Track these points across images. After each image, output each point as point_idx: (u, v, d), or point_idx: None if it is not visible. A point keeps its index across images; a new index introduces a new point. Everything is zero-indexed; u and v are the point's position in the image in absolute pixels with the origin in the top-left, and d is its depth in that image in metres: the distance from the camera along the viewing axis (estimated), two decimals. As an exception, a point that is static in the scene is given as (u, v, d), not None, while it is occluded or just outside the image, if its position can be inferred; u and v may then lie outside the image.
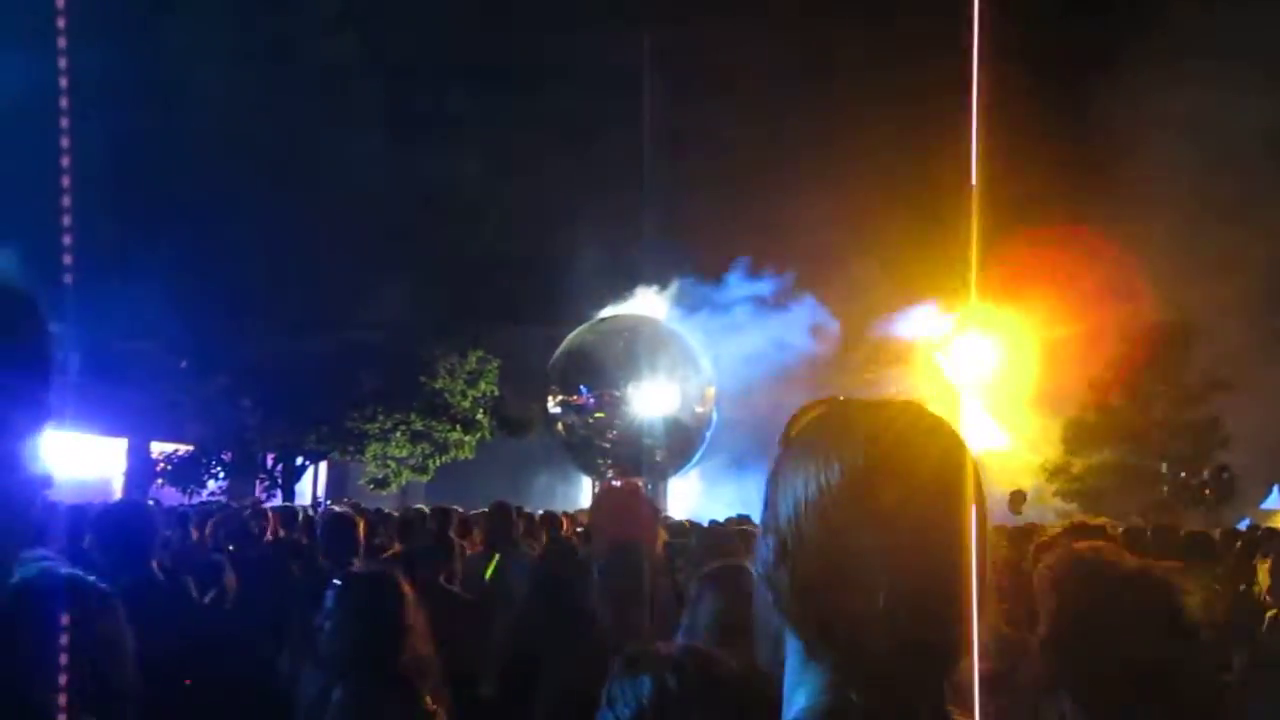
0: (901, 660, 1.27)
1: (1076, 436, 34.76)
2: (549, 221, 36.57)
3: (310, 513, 14.58)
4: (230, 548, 8.69)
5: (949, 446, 1.35)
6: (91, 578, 2.70)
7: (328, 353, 23.44)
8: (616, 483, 27.02)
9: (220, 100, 22.26)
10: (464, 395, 25.73)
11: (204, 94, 22.22)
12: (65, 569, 2.84)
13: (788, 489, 1.35)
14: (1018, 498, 23.98)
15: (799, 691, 1.35)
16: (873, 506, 1.28)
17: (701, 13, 42.45)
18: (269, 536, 9.61)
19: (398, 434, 25.15)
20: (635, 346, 35.75)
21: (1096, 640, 2.64)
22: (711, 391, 37.36)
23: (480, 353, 26.47)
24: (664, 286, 40.41)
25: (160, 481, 23.67)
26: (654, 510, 10.04)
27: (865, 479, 1.29)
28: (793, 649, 1.36)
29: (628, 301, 40.02)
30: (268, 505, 17.83)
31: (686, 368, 36.55)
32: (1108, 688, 2.58)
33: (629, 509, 8.26)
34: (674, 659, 2.37)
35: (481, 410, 26.20)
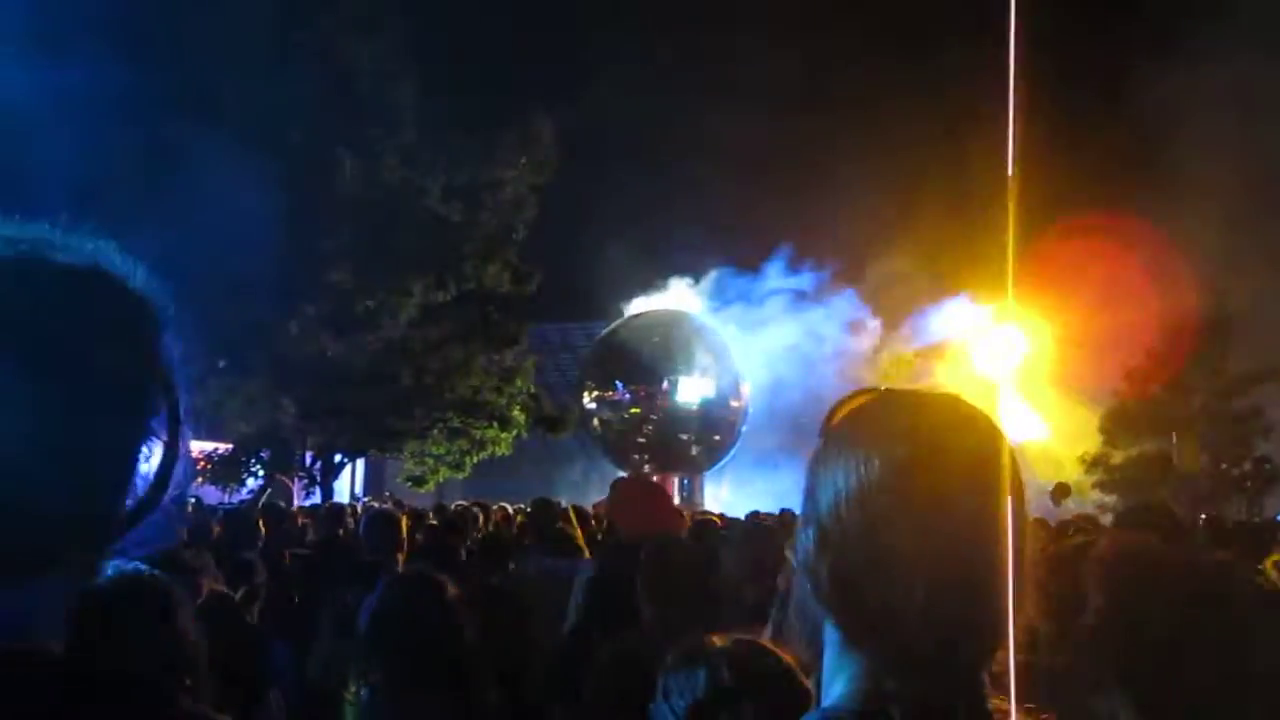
0: (939, 650, 1.27)
1: (1116, 427, 34.53)
2: (586, 216, 36.75)
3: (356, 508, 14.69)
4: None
5: (988, 438, 1.35)
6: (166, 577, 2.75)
7: (366, 351, 23.56)
8: (626, 475, 27.15)
9: (256, 98, 22.44)
10: (500, 392, 25.79)
11: (241, 94, 22.42)
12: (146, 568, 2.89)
13: (828, 480, 1.35)
14: (1062, 490, 23.72)
15: (837, 680, 1.36)
16: (912, 498, 1.28)
17: (737, 12, 42.59)
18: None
19: (435, 431, 25.26)
20: (670, 342, 35.81)
21: (1149, 635, 2.61)
22: (746, 387, 37.35)
23: (517, 348, 26.53)
24: (699, 278, 40.45)
25: (201, 480, 23.87)
26: (672, 502, 10.04)
27: (905, 470, 1.30)
28: (831, 638, 1.37)
29: (662, 293, 40.07)
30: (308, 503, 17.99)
31: (721, 363, 36.56)
32: (1164, 685, 2.55)
33: (648, 501, 8.27)
34: (729, 652, 2.42)
35: (518, 407, 26.26)
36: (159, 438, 1.25)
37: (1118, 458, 33.96)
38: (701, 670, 2.39)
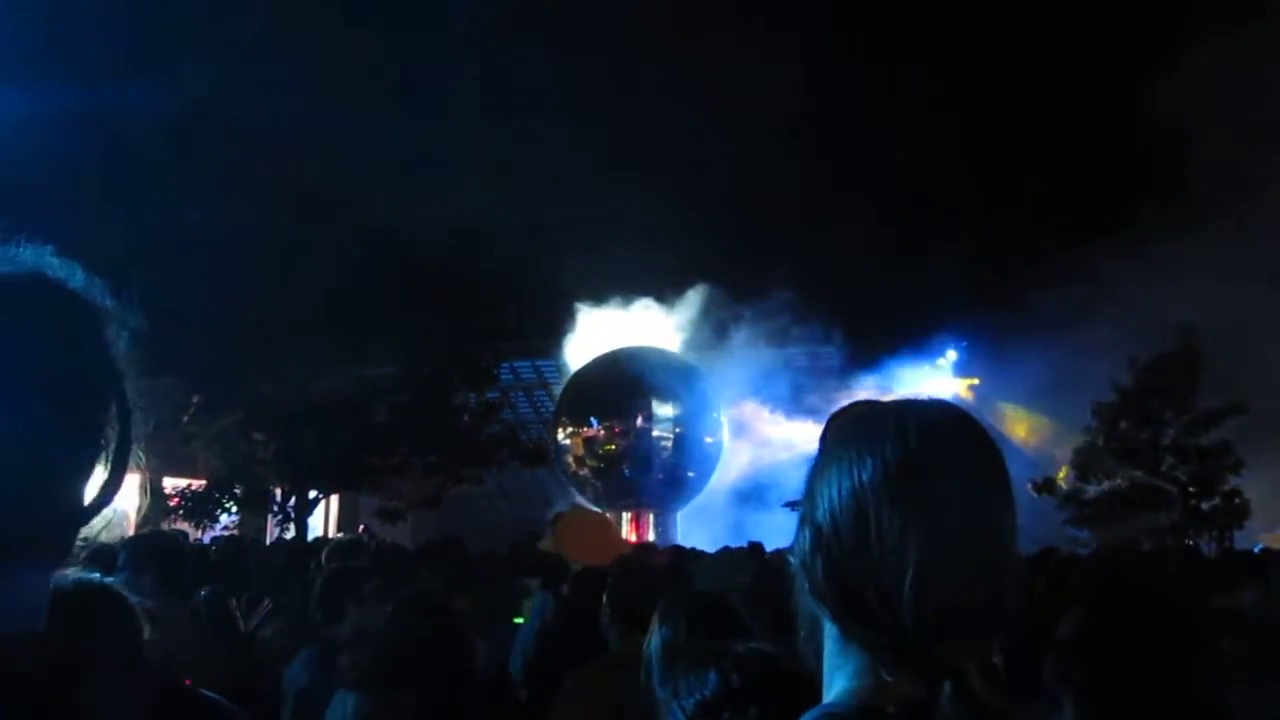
0: (933, 641, 1.36)
1: (1087, 462, 34.73)
2: (564, 250, 36.83)
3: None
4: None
5: (977, 439, 1.45)
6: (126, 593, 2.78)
7: (342, 387, 23.52)
8: (575, 507, 27.10)
9: (232, 132, 22.46)
10: (479, 429, 25.80)
11: (213, 127, 22.42)
12: (102, 579, 2.92)
13: (824, 482, 1.45)
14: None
15: (837, 675, 1.44)
16: (903, 496, 1.38)
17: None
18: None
19: (412, 468, 25.22)
20: (645, 377, 35.75)
21: (1119, 653, 2.70)
22: (722, 421, 37.35)
23: (496, 383, 26.56)
24: (673, 305, 40.36)
25: (174, 517, 23.72)
26: (618, 535, 10.15)
27: (896, 470, 1.39)
28: (830, 635, 1.45)
29: (631, 314, 39.93)
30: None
31: (696, 398, 36.53)
32: (1116, 701, 2.63)
33: (593, 534, 8.36)
34: (740, 657, 2.56)
35: (497, 442, 26.25)
36: (111, 432, 1.32)
37: (1090, 493, 34.12)
38: (712, 671, 2.51)
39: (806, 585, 1.44)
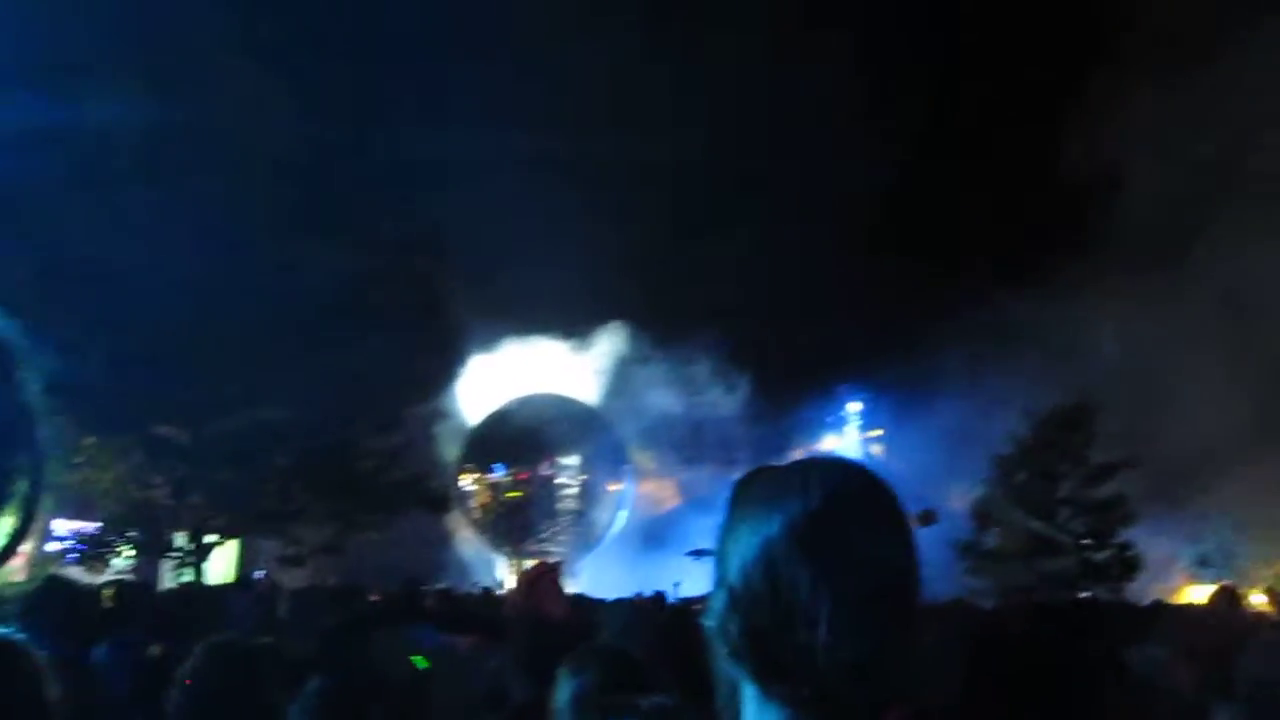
0: (843, 685, 1.41)
1: (985, 513, 35.28)
2: (474, 291, 36.61)
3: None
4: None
5: (878, 492, 1.52)
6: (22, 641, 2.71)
7: (241, 431, 23.16)
8: (534, 562, 26.87)
9: (126, 175, 22.11)
10: (382, 473, 25.54)
11: (112, 170, 22.05)
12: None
13: (734, 544, 1.50)
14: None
15: None
16: (811, 551, 1.43)
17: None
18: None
19: (313, 512, 24.88)
20: (551, 423, 35.73)
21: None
22: (627, 469, 37.41)
23: (400, 428, 26.31)
24: (583, 349, 40.25)
25: (64, 560, 23.12)
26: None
27: (803, 526, 1.45)
28: (749, 694, 1.50)
29: (540, 357, 39.71)
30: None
31: (602, 445, 36.58)
32: None
33: (552, 588, 8.33)
34: (647, 711, 2.60)
35: (400, 488, 25.99)
36: (21, 478, 1.32)
37: (987, 544, 34.65)
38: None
39: (724, 648, 1.49)
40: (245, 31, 27.91)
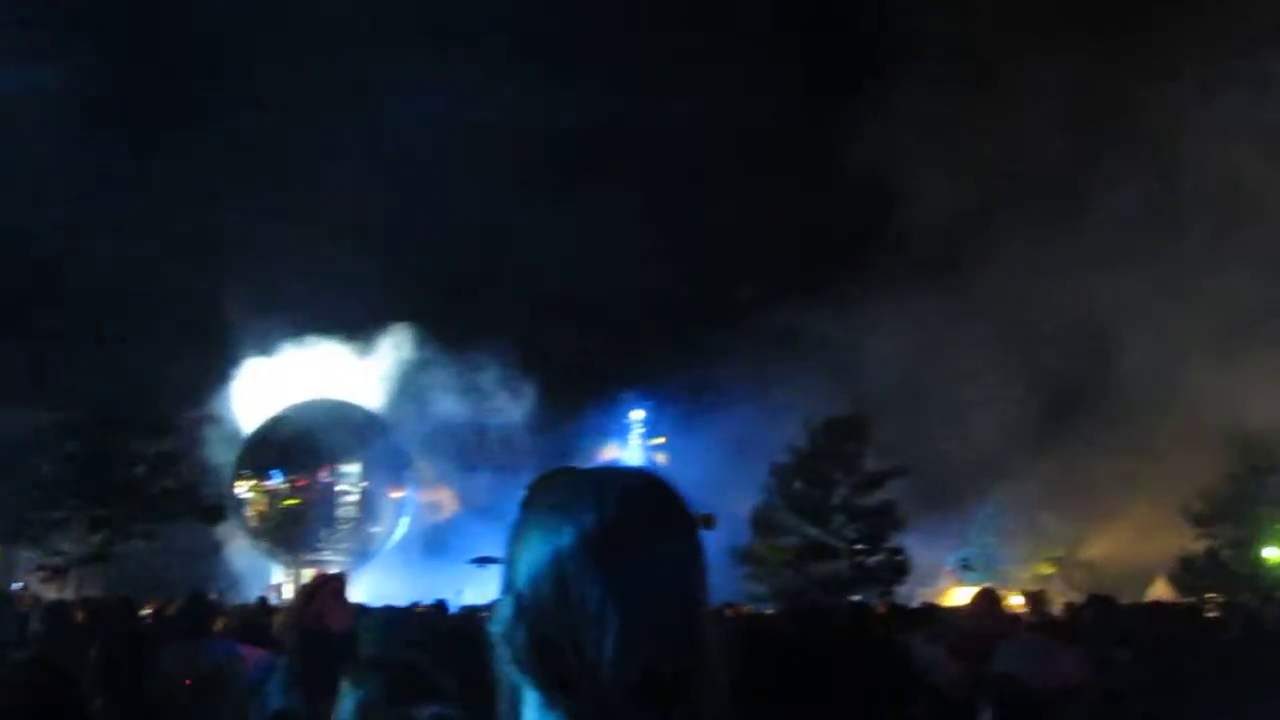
0: (630, 699, 1.40)
1: (763, 520, 36.15)
2: (252, 292, 35.56)
3: None
4: None
5: (670, 503, 1.51)
6: None
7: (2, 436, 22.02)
8: (316, 572, 26.23)
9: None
10: (151, 480, 24.61)
11: None
12: None
13: (525, 551, 1.47)
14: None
15: None
16: (600, 559, 1.42)
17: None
18: None
19: (79, 522, 23.78)
20: (330, 430, 35.03)
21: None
22: (408, 475, 36.95)
23: (172, 434, 25.39)
24: (366, 353, 39.42)
25: None
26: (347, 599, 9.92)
27: (593, 534, 1.43)
28: (531, 702, 1.46)
29: (321, 361, 38.71)
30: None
31: (383, 452, 36.04)
32: None
33: (332, 600, 8.14)
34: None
35: (172, 495, 25.09)
36: None
37: (764, 549, 35.47)
38: None
39: (508, 655, 1.46)
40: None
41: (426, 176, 42.08)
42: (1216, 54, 41.30)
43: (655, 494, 1.51)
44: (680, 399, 42.47)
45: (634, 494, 1.48)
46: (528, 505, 1.52)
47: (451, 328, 38.48)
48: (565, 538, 1.43)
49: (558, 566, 1.42)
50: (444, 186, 41.79)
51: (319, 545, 34.21)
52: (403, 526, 36.66)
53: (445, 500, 39.22)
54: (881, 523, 35.84)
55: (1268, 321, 38.87)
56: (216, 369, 36.24)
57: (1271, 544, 35.77)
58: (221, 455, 36.58)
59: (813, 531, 35.25)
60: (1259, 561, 35.80)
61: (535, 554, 1.45)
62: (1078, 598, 16.96)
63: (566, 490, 1.50)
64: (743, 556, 35.10)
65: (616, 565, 1.41)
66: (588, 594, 1.40)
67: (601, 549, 1.42)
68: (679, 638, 1.43)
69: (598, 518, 1.43)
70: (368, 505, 35.50)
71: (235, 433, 37.25)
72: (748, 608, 22.47)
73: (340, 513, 35.36)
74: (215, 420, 37.86)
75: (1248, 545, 35.97)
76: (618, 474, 1.53)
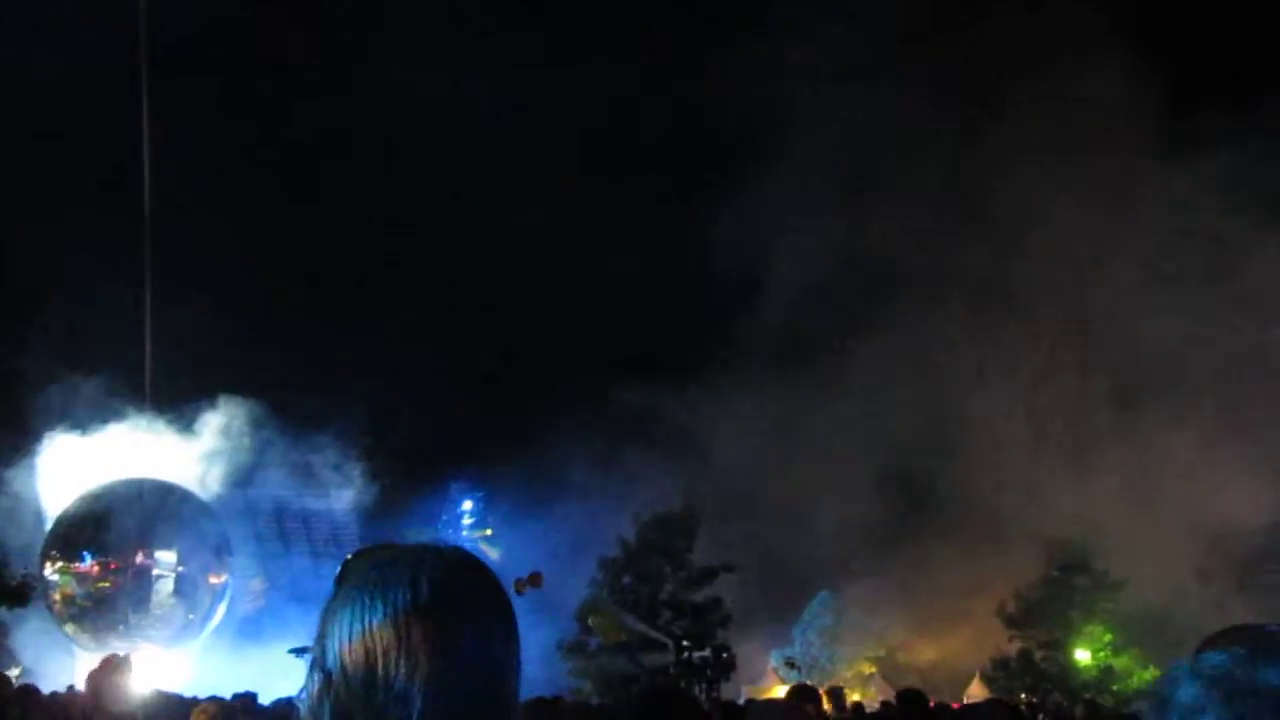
0: None
1: (590, 616, 35.97)
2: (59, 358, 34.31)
3: None
4: None
5: (486, 586, 1.54)
6: None
7: None
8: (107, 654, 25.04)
9: None
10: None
11: None
12: None
13: (336, 626, 1.48)
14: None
15: None
16: (409, 637, 1.43)
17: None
18: None
19: None
20: (145, 509, 33.77)
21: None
22: (229, 561, 35.79)
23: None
24: (189, 431, 38.03)
25: None
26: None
27: (403, 612, 1.45)
28: None
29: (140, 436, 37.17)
30: None
31: (204, 535, 34.87)
32: None
33: (115, 682, 7.86)
34: None
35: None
36: None
37: (592, 646, 35.29)
38: None
39: None
40: None
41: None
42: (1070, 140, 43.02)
43: (471, 577, 1.53)
44: (512, 490, 42.14)
45: (449, 575, 1.50)
46: (342, 580, 1.53)
47: (281, 404, 37.56)
48: (376, 615, 1.45)
49: (366, 644, 1.44)
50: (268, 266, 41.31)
51: (131, 631, 32.80)
52: (220, 613, 35.43)
53: (264, 586, 38.10)
54: (709, 619, 35.99)
55: (1090, 429, 40.52)
56: (19, 444, 34.72)
57: (1081, 646, 36.84)
58: (26, 535, 34.87)
59: (640, 627, 35.19)
60: (1070, 662, 36.81)
61: (346, 629, 1.46)
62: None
63: (382, 567, 1.51)
64: (567, 652, 34.83)
65: (426, 646, 1.43)
66: (394, 673, 1.42)
67: (411, 629, 1.43)
68: (484, 717, 1.45)
69: (410, 596, 1.45)
70: (184, 590, 34.23)
71: (42, 511, 35.58)
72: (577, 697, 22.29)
73: (156, 598, 34.02)
74: (20, 498, 36.05)
75: (1059, 646, 36.95)
76: (433, 552, 1.54)
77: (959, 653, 39.42)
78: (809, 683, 18.64)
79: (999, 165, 42.78)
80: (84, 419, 35.71)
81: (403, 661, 1.42)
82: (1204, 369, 40.08)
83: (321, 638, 1.50)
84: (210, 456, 37.41)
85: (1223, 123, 37.48)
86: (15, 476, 34.44)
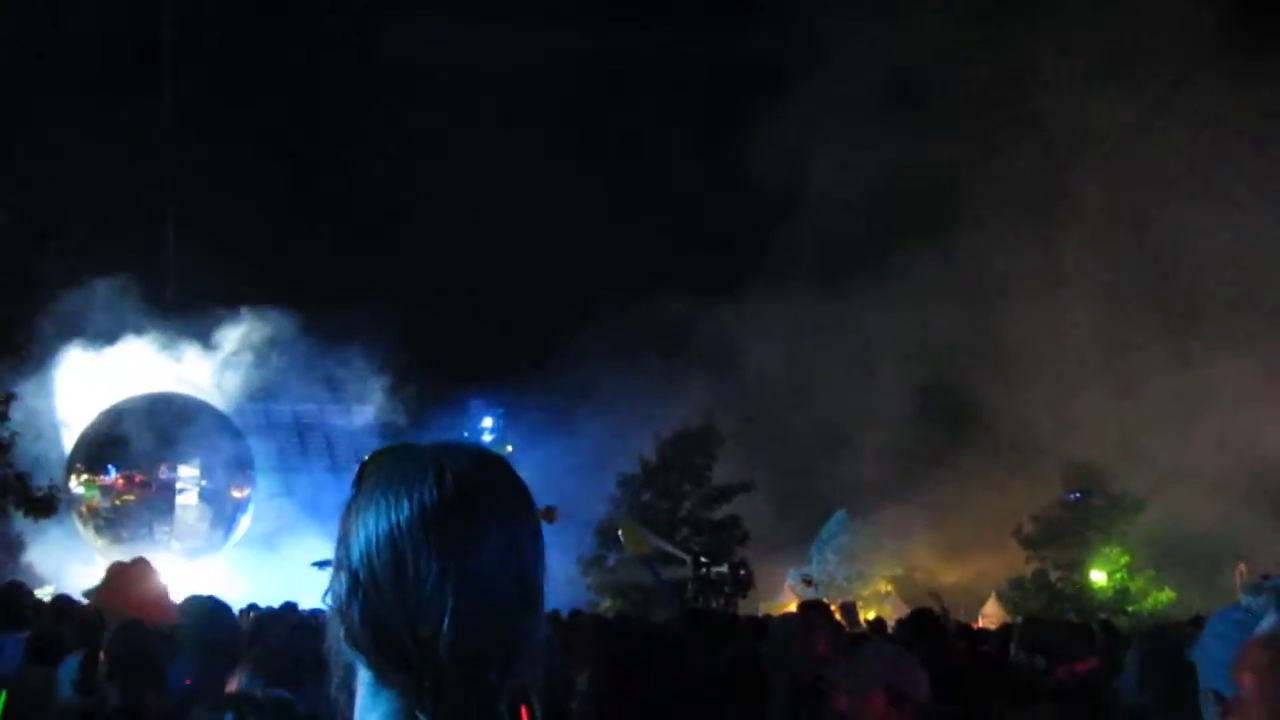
0: (463, 677, 1.38)
1: (609, 533, 36.22)
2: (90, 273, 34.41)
3: None
4: None
5: (509, 482, 1.50)
6: None
7: None
8: (126, 559, 25.30)
9: None
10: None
11: None
12: None
13: (359, 526, 1.44)
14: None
15: (369, 719, 1.43)
16: (438, 537, 1.40)
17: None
18: None
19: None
20: (168, 423, 34.05)
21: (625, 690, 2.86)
22: (251, 475, 36.14)
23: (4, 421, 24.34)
24: (212, 348, 38.18)
25: None
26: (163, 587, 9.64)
27: (431, 511, 1.41)
28: (363, 680, 1.44)
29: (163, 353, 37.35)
30: None
31: (226, 449, 35.18)
32: None
33: (140, 585, 7.92)
34: (255, 700, 2.62)
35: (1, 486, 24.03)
36: None
37: (611, 561, 35.59)
38: (230, 714, 2.57)
39: (341, 631, 1.43)
40: None
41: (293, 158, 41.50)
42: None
43: (495, 472, 1.49)
44: (532, 407, 42.29)
45: (473, 471, 1.47)
46: (363, 480, 1.49)
47: (302, 319, 37.55)
48: (403, 514, 1.41)
49: (394, 543, 1.40)
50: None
51: (156, 543, 33.23)
52: (243, 525, 35.86)
53: (289, 499, 38.45)
54: (727, 536, 36.23)
55: (1105, 354, 40.15)
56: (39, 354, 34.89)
57: (1097, 566, 37.03)
58: (54, 447, 35.19)
59: (658, 543, 35.47)
60: (1086, 583, 37.02)
61: (371, 529, 1.42)
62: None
63: (404, 466, 1.47)
64: (587, 566, 35.17)
65: (454, 544, 1.39)
66: (424, 571, 1.38)
67: (440, 527, 1.40)
68: (514, 616, 1.42)
69: (436, 493, 1.42)
70: (207, 503, 34.63)
71: (69, 424, 35.89)
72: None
73: (179, 511, 34.44)
74: (47, 411, 36.33)
75: (1075, 567, 37.15)
76: (458, 450, 1.50)
77: (980, 575, 39.54)
78: (824, 599, 18.76)
79: (1052, 76, 41.91)
80: (105, 329, 35.82)
81: (434, 559, 1.39)
82: (1262, 298, 39.01)
83: (345, 539, 1.46)
84: (231, 370, 37.57)
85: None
86: (35, 389, 34.69)
